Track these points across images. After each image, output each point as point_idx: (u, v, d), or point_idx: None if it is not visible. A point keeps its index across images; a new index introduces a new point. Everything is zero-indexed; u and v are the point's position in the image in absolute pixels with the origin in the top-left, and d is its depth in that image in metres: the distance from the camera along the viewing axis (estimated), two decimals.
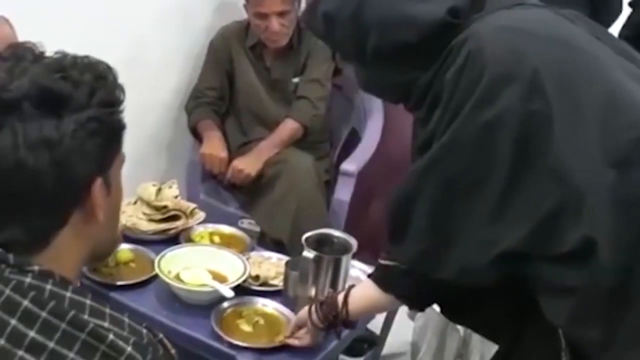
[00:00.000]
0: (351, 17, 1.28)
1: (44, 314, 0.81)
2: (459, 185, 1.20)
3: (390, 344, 2.63)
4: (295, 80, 2.82)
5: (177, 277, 1.86)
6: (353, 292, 1.49)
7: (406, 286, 1.38)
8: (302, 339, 1.63)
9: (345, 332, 1.62)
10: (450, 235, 1.23)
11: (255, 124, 2.85)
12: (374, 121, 2.98)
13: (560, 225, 1.12)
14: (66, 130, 0.83)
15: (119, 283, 1.85)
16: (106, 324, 0.83)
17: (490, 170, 1.16)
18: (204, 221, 2.22)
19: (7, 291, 0.82)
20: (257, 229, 2.68)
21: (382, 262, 1.41)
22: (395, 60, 1.29)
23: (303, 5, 2.82)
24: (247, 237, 2.21)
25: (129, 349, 0.82)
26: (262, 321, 1.77)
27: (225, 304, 1.78)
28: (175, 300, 1.83)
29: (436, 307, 2.10)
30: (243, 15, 2.82)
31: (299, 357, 1.66)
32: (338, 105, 3.03)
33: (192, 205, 2.24)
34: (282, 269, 2.00)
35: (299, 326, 1.62)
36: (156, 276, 1.87)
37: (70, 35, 1.78)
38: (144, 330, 0.87)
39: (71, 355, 0.80)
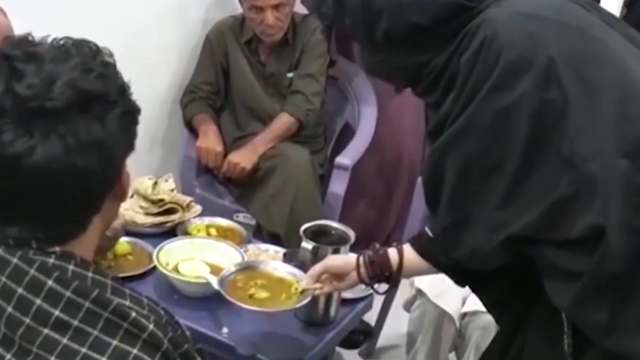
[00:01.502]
0: (362, 0, 1.28)
1: (68, 293, 0.83)
2: (474, 167, 1.23)
3: (385, 336, 2.66)
4: (290, 75, 2.83)
5: (175, 269, 1.87)
6: (405, 252, 1.46)
7: (440, 258, 1.38)
8: (330, 286, 1.58)
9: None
10: (466, 216, 1.25)
11: (250, 119, 2.86)
12: (368, 115, 3.00)
13: (570, 211, 1.14)
14: (110, 129, 0.85)
15: (120, 275, 1.86)
16: (127, 303, 0.86)
17: (504, 155, 1.18)
18: (200, 214, 2.23)
19: (32, 271, 0.84)
20: (253, 222, 2.66)
21: (426, 229, 1.41)
22: (407, 43, 1.29)
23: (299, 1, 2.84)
24: (244, 230, 2.22)
25: (151, 326, 0.85)
26: (274, 285, 1.70)
27: (233, 270, 1.72)
28: (173, 292, 1.84)
29: (432, 298, 2.13)
30: (238, 10, 2.83)
31: (297, 347, 1.67)
32: (332, 100, 3.04)
33: (189, 199, 2.25)
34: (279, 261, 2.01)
35: (326, 272, 1.57)
36: (154, 268, 1.88)
37: (65, 29, 1.77)
38: (162, 311, 0.89)
39: (95, 332, 0.83)
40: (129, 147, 0.91)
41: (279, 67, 2.83)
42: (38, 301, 0.83)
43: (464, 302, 2.12)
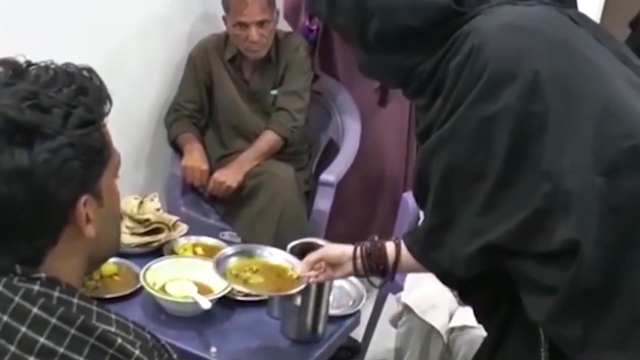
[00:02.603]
0: (355, 0, 1.29)
1: (53, 320, 0.82)
2: (457, 172, 1.24)
3: (372, 351, 2.65)
4: (274, 92, 2.84)
5: (163, 289, 1.87)
6: (403, 248, 1.45)
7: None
8: (324, 274, 1.58)
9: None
10: (449, 219, 1.26)
11: (235, 136, 2.87)
12: (352, 131, 3.01)
13: (546, 224, 1.15)
14: (37, 160, 0.83)
15: (106, 296, 1.85)
16: (113, 329, 0.85)
17: (486, 163, 1.19)
18: (187, 233, 2.23)
19: (17, 299, 0.83)
20: (238, 240, 2.68)
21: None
22: (398, 44, 1.30)
23: (281, 17, 2.86)
24: None
25: (137, 352, 0.84)
26: (268, 271, 1.73)
27: (230, 253, 1.75)
28: (161, 312, 1.84)
29: (419, 314, 2.14)
30: (222, 27, 2.84)
31: None
32: (315, 116, 3.05)
33: (175, 218, 2.25)
34: None
35: (322, 260, 1.58)
36: (141, 289, 1.88)
37: (49, 45, 1.78)
38: (148, 335, 0.89)
39: (81, 359, 0.81)
40: (82, 181, 0.87)
41: (262, 84, 2.84)
42: (23, 329, 0.82)
43: (451, 317, 2.13)
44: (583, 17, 1.30)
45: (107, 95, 0.91)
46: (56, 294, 0.85)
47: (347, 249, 1.53)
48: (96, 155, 0.89)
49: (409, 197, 2.52)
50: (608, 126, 1.13)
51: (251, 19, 2.64)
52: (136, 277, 1.92)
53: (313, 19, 2.88)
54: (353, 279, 2.02)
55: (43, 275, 0.86)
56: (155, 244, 2.13)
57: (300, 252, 1.76)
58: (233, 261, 1.74)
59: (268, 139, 2.78)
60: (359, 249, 1.50)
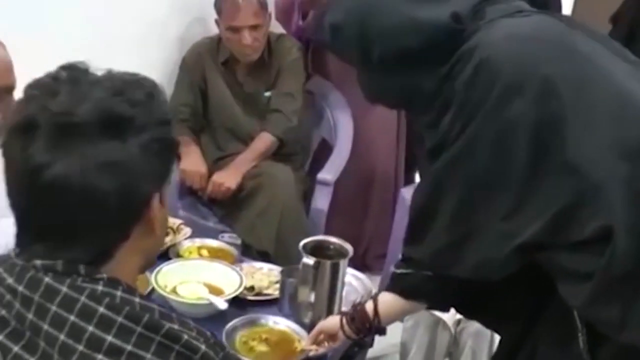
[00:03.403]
0: (358, 27, 1.33)
1: (120, 319, 0.84)
2: (477, 185, 1.27)
3: (377, 348, 2.67)
4: (268, 94, 2.86)
5: (174, 292, 1.88)
6: (380, 301, 1.53)
7: (429, 291, 1.45)
8: (326, 346, 1.66)
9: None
10: (469, 232, 1.29)
11: (230, 139, 2.88)
12: (345, 130, 3.04)
13: (577, 216, 1.19)
14: (131, 152, 0.86)
15: None
16: (176, 326, 0.86)
17: (507, 171, 1.23)
18: (190, 236, 2.24)
19: (83, 299, 0.85)
20: (238, 242, 2.70)
21: (398, 271, 1.47)
22: (401, 65, 1.34)
23: (273, 19, 2.87)
24: (234, 250, 2.24)
25: (204, 347, 0.87)
26: (274, 338, 1.78)
27: (234, 325, 1.78)
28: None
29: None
30: (214, 30, 2.85)
31: None
32: (308, 117, 3.08)
33: (178, 221, 2.26)
34: (274, 279, 2.03)
35: (321, 333, 1.65)
36: (152, 291, 1.88)
37: (44, 49, 1.78)
38: (208, 332, 0.90)
39: (148, 356, 0.84)
40: (160, 177, 0.91)
41: (256, 86, 2.86)
42: (90, 328, 0.84)
43: None
44: (573, 20, 1.36)
45: (167, 102, 0.95)
46: (119, 293, 0.87)
47: (337, 320, 1.61)
48: (172, 153, 0.93)
49: (406, 193, 2.56)
50: (624, 113, 1.19)
51: (244, 23, 2.66)
52: (144, 280, 1.92)
53: (307, 19, 2.90)
54: (360, 274, 2.06)
55: (105, 276, 0.88)
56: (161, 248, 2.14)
57: (312, 251, 1.79)
58: (241, 331, 1.79)
59: (264, 140, 2.80)
60: (343, 318, 1.59)
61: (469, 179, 1.28)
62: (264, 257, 2.50)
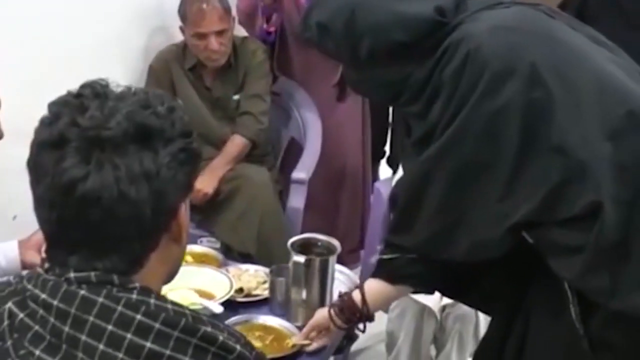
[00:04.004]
0: (345, 24, 1.37)
1: (157, 325, 0.86)
2: (470, 168, 1.33)
3: (362, 337, 2.72)
4: (236, 97, 2.88)
5: None
6: (367, 289, 1.58)
7: (415, 274, 1.50)
8: (319, 340, 1.70)
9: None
10: (462, 215, 1.35)
11: (202, 144, 2.87)
12: (314, 129, 3.07)
13: (567, 194, 1.26)
14: (162, 162, 0.88)
15: None
16: (209, 329, 0.89)
17: (498, 154, 1.29)
18: None
19: (120, 308, 0.87)
20: (217, 245, 2.72)
21: (385, 257, 1.51)
22: (389, 60, 1.39)
23: (237, 24, 2.89)
24: (218, 254, 2.26)
25: (239, 347, 0.90)
26: (267, 336, 1.81)
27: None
28: None
29: (412, 295, 2.22)
30: (179, 37, 2.86)
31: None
32: (275, 117, 3.11)
33: None
34: (261, 279, 2.06)
35: (313, 329, 1.69)
36: None
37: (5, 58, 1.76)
38: (238, 333, 0.94)
39: (186, 359, 0.86)
40: (186, 187, 0.93)
41: (224, 90, 2.88)
42: (129, 335, 0.85)
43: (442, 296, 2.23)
44: (554, 10, 1.43)
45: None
46: (152, 301, 0.89)
47: (326, 313, 1.65)
48: (196, 163, 0.95)
49: (381, 187, 2.61)
50: (605, 98, 1.26)
51: (210, 29, 2.67)
52: None
53: (271, 21, 2.93)
54: (344, 269, 2.10)
55: (138, 285, 0.90)
56: None
57: (300, 248, 1.83)
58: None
59: (236, 143, 2.82)
60: (332, 310, 1.63)
61: (460, 165, 1.33)
62: (246, 258, 2.53)
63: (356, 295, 1.59)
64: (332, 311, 1.63)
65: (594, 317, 1.33)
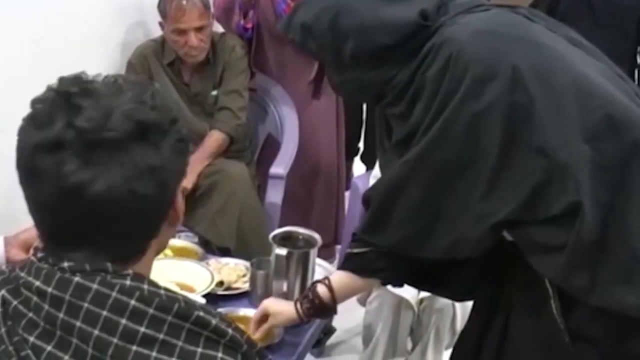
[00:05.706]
0: (329, 25, 1.39)
1: (151, 310, 0.88)
2: (451, 170, 1.35)
3: (338, 331, 2.77)
4: (214, 92, 2.90)
5: None
6: (333, 282, 1.59)
7: (385, 268, 1.51)
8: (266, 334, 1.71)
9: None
10: (440, 216, 1.37)
11: None
12: (291, 124, 3.10)
13: (548, 194, 1.30)
14: (165, 156, 0.90)
15: None
16: (202, 313, 0.92)
17: (480, 154, 1.32)
18: None
19: (114, 294, 0.89)
20: (195, 239, 2.73)
21: (354, 251, 1.53)
22: (372, 62, 1.41)
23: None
24: (198, 247, 2.28)
25: (230, 331, 0.92)
26: (248, 327, 1.79)
27: None
28: None
29: (390, 288, 2.25)
30: (155, 33, 2.86)
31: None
32: (252, 113, 3.12)
33: None
34: (241, 272, 2.09)
35: (262, 320, 1.69)
36: None
37: None
38: (228, 319, 0.96)
39: (180, 343, 0.89)
40: (181, 173, 0.96)
41: (203, 86, 2.89)
42: (123, 321, 0.87)
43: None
44: (534, 13, 1.47)
45: None
46: (146, 287, 0.90)
47: (288, 306, 1.66)
48: (188, 149, 0.97)
49: (359, 182, 2.64)
50: (584, 100, 1.30)
51: (189, 26, 2.68)
52: None
53: (247, 18, 2.95)
54: (323, 262, 2.13)
55: (131, 271, 0.92)
56: None
57: (281, 241, 1.86)
58: None
59: (215, 138, 2.83)
60: (298, 304, 1.63)
61: (441, 165, 1.36)
62: (224, 252, 2.55)
63: (321, 288, 1.59)
64: (298, 305, 1.63)
65: (575, 311, 1.36)
